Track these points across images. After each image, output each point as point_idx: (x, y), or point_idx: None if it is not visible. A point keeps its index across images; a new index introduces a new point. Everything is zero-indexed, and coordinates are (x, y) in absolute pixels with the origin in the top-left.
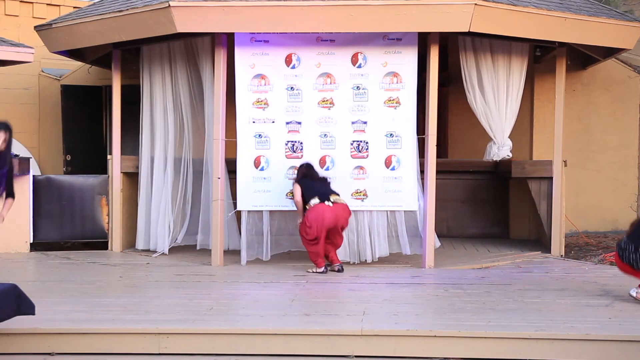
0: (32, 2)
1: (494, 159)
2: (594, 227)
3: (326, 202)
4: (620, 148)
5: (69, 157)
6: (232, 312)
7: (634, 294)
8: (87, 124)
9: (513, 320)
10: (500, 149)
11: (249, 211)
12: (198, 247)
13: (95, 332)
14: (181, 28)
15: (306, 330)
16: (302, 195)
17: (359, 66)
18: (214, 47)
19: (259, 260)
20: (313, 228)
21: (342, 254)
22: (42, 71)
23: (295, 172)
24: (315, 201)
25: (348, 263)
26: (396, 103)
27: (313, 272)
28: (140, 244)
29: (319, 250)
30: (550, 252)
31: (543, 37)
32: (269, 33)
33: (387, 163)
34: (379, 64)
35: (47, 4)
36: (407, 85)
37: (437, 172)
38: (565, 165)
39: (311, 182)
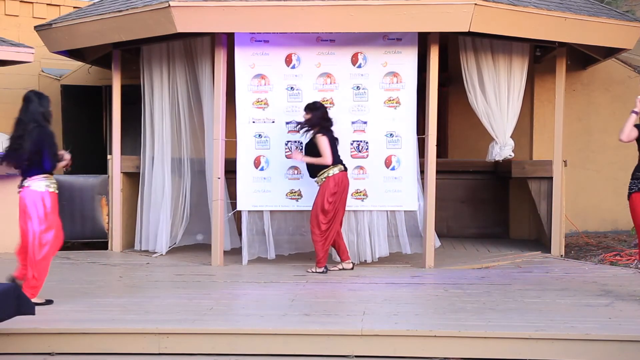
0: (32, 2)
1: (497, 159)
2: (594, 227)
3: (346, 172)
4: (620, 148)
5: None
6: (232, 312)
7: None
8: (87, 124)
9: (513, 320)
10: (503, 148)
11: (249, 211)
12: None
13: (95, 332)
14: (181, 28)
15: (306, 330)
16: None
17: (359, 66)
18: (214, 47)
19: (259, 260)
20: (337, 197)
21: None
22: (42, 71)
23: (310, 118)
24: (340, 168)
25: None
26: (396, 103)
27: (313, 271)
28: (140, 244)
29: (331, 237)
30: (550, 252)
31: (543, 37)
32: (269, 33)
33: (387, 163)
34: (379, 64)
35: (47, 4)
36: (407, 85)
37: (437, 172)
38: (565, 165)
39: (333, 140)
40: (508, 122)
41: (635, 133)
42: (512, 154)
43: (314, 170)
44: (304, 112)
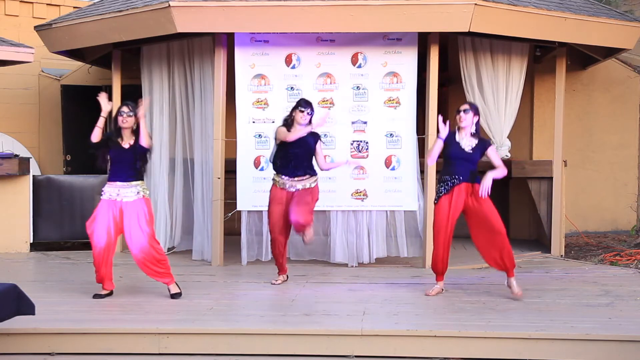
0: (32, 2)
1: None
2: (594, 227)
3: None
4: (620, 148)
5: (69, 157)
6: (232, 312)
7: None
8: (87, 124)
9: (513, 320)
10: (499, 149)
11: (248, 211)
12: (194, 257)
13: (95, 332)
14: (181, 28)
15: (306, 330)
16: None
17: (359, 66)
18: (214, 47)
19: (259, 260)
20: None
21: (340, 255)
22: (42, 71)
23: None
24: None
25: (345, 265)
26: (396, 103)
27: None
28: None
29: None
30: (550, 252)
31: (543, 37)
32: (269, 33)
33: (387, 163)
34: (379, 64)
35: (47, 4)
36: (407, 85)
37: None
38: (565, 165)
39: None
40: (505, 122)
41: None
42: (509, 154)
43: (312, 169)
44: (310, 110)
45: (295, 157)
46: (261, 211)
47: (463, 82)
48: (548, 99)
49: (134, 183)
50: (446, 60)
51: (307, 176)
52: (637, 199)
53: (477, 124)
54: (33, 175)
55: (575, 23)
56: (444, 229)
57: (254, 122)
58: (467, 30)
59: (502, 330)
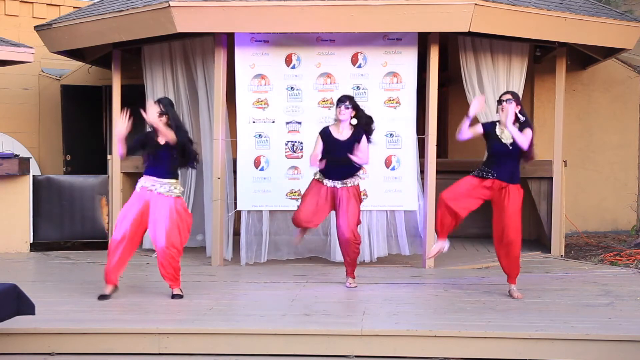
0: (32, 2)
1: None
2: (594, 227)
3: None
4: (620, 148)
5: (69, 157)
6: (232, 312)
7: None
8: (87, 124)
9: (513, 320)
10: None
11: (248, 211)
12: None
13: (95, 332)
14: (181, 28)
15: (306, 330)
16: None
17: (359, 66)
18: (214, 47)
19: (258, 261)
20: None
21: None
22: (42, 71)
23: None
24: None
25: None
26: (396, 103)
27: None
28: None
29: None
30: (550, 252)
31: (543, 37)
32: (269, 33)
33: (387, 163)
34: (379, 64)
35: (47, 4)
36: (407, 85)
37: (437, 172)
38: (565, 165)
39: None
40: None
41: (470, 133)
42: None
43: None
44: (348, 104)
45: (337, 161)
46: (261, 211)
47: (463, 82)
48: (548, 99)
49: (167, 180)
50: (446, 60)
51: (348, 178)
52: (637, 199)
53: (522, 113)
54: (33, 175)
55: (575, 23)
56: (454, 188)
57: (254, 122)
58: (467, 30)
59: (502, 330)
